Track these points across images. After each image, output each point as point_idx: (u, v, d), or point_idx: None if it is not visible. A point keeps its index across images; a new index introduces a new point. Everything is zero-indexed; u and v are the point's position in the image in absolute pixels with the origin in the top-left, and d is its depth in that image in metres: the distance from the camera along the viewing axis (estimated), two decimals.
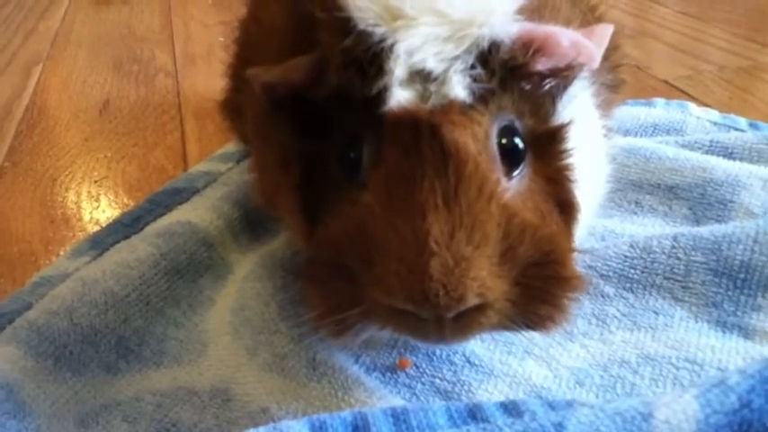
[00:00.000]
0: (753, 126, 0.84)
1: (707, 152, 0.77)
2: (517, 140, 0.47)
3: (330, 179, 0.49)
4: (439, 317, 0.42)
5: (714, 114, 0.87)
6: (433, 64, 0.43)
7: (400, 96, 0.43)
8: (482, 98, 0.44)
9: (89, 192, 0.89)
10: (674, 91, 1.02)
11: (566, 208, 0.48)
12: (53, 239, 0.79)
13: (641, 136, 0.84)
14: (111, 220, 0.76)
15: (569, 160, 0.48)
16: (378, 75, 0.44)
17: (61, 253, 0.74)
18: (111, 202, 0.87)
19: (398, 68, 0.43)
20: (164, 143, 1.00)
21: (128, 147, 1.00)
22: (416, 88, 0.44)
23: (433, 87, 0.44)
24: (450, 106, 0.43)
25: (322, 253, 0.47)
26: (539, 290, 0.44)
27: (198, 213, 0.70)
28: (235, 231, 0.70)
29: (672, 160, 0.73)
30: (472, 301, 0.41)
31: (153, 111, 1.11)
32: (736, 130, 0.84)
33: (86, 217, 0.84)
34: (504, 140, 0.46)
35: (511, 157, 0.46)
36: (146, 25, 1.58)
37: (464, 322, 0.42)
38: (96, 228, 0.78)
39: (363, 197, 0.45)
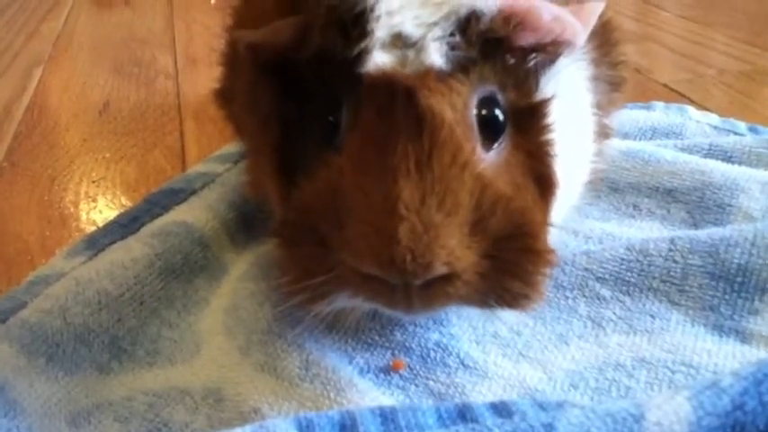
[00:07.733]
0: (752, 130, 0.84)
1: (706, 156, 0.76)
2: (497, 112, 0.47)
3: (309, 143, 0.48)
4: (407, 284, 0.41)
5: (713, 118, 0.87)
6: (410, 28, 0.43)
7: (379, 59, 0.43)
8: (463, 68, 0.44)
9: (87, 192, 0.89)
10: (674, 94, 1.02)
11: (544, 183, 0.48)
12: (50, 239, 0.79)
13: (640, 139, 0.84)
14: (108, 221, 0.76)
15: (550, 135, 0.48)
16: (360, 36, 0.43)
17: (57, 252, 0.74)
18: (108, 202, 0.87)
19: (379, 30, 0.43)
20: (162, 144, 0.99)
21: (126, 147, 0.99)
22: (396, 53, 0.43)
23: (411, 53, 0.43)
24: (427, 73, 0.43)
25: (295, 216, 0.46)
26: (510, 264, 0.44)
27: (194, 214, 0.70)
28: (230, 232, 0.69)
29: (670, 163, 0.73)
30: (440, 270, 0.41)
31: (152, 112, 1.11)
32: (736, 134, 0.83)
33: (83, 217, 0.84)
34: (483, 111, 0.46)
35: (490, 129, 0.46)
36: (147, 27, 1.59)
37: (432, 291, 0.42)
38: (93, 228, 0.78)
39: (337, 160, 0.44)
